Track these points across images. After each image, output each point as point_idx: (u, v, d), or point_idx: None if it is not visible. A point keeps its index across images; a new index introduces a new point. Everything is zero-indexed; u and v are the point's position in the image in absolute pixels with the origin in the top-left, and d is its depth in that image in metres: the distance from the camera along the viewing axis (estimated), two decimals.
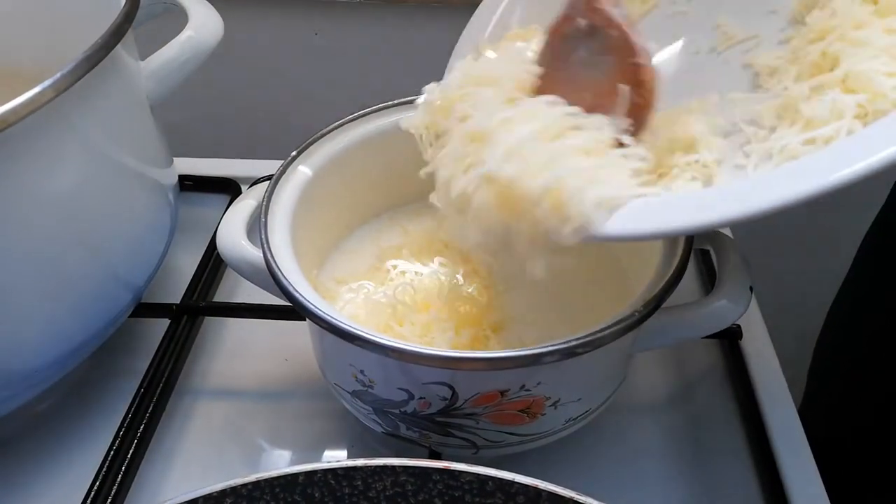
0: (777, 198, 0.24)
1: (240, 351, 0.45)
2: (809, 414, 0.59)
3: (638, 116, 0.28)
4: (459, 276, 0.40)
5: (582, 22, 0.29)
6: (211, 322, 0.47)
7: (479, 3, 0.39)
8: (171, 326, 0.44)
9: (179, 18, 0.44)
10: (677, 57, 0.35)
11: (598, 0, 0.28)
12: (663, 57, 0.35)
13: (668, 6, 0.37)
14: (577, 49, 0.29)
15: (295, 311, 0.33)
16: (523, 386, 0.32)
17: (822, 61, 0.29)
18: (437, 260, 0.41)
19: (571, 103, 0.28)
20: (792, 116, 0.28)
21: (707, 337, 0.40)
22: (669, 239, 0.35)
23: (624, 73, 0.28)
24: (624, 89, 0.28)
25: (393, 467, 0.26)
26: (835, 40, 0.29)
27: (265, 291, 0.37)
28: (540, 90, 0.30)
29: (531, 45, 0.34)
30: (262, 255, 0.34)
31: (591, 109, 0.28)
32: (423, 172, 0.31)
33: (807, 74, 0.30)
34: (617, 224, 0.27)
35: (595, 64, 0.29)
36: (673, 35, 0.36)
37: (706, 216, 0.25)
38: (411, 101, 0.42)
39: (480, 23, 0.38)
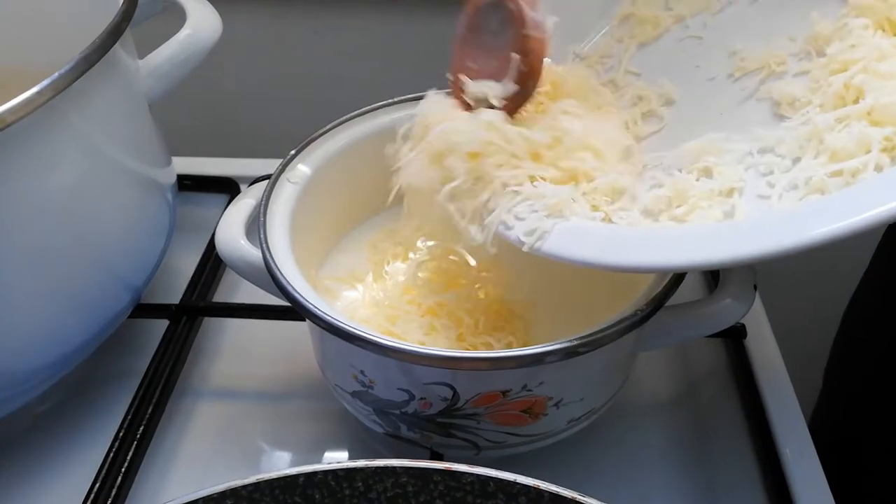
0: (811, 235, 0.24)
1: (239, 351, 0.45)
2: (825, 413, 0.59)
3: (524, 83, 0.32)
4: (456, 267, 0.40)
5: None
6: (210, 322, 0.47)
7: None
8: (171, 327, 0.44)
9: (177, 17, 0.44)
10: (693, 83, 0.35)
11: None
12: (680, 83, 0.35)
13: (681, 31, 0.37)
14: (490, 20, 0.33)
15: (295, 311, 0.33)
16: (525, 386, 0.32)
17: (846, 93, 0.29)
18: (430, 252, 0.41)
19: (481, 68, 0.33)
20: (816, 147, 0.28)
21: (711, 336, 0.39)
22: None
23: (516, 43, 0.32)
24: (514, 58, 0.32)
25: (394, 468, 0.26)
26: (858, 72, 0.29)
27: (265, 291, 0.36)
28: (459, 57, 0.34)
29: None
30: (261, 254, 0.34)
31: (495, 75, 0.33)
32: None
33: (830, 106, 0.29)
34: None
35: (500, 33, 0.32)
36: (688, 60, 0.36)
37: (729, 251, 0.25)
38: (410, 100, 0.42)
39: None
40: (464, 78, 0.34)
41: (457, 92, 0.34)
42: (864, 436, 0.55)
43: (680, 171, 0.31)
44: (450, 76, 0.35)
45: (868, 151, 0.26)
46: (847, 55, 0.30)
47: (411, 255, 0.41)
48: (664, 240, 0.28)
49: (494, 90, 0.33)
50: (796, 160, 0.29)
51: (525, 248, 0.30)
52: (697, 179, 0.30)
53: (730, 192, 0.29)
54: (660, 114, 0.35)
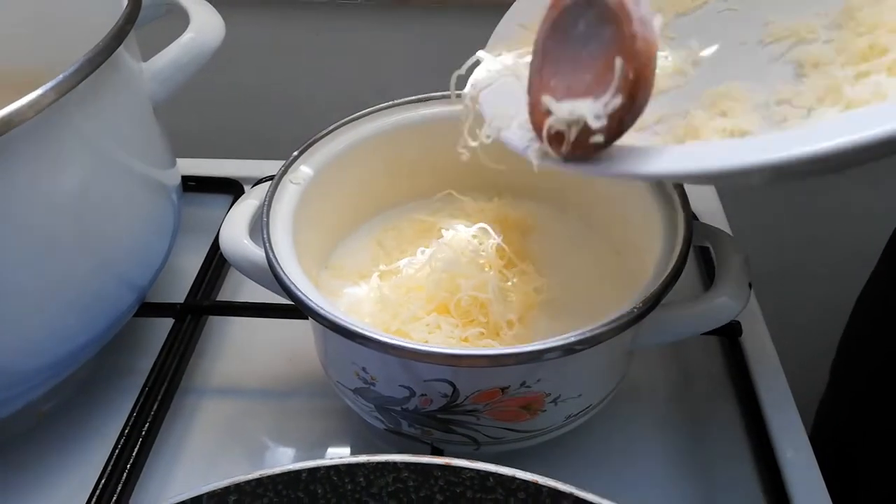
0: (820, 146, 0.22)
1: (243, 350, 0.46)
2: (830, 409, 0.59)
3: (633, 94, 0.25)
4: (458, 266, 0.40)
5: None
6: (214, 321, 0.47)
7: (478, 5, 0.38)
8: (175, 326, 0.44)
9: (181, 20, 0.44)
10: (722, 46, 0.35)
11: None
12: (709, 46, 0.35)
13: (719, 3, 0.37)
14: (577, 22, 0.27)
15: (298, 309, 0.33)
16: (524, 383, 0.32)
17: (870, 52, 0.29)
18: (433, 254, 0.41)
19: (570, 86, 0.26)
20: (834, 98, 0.28)
21: (707, 333, 0.40)
22: (669, 235, 0.35)
23: (619, 46, 0.25)
24: (619, 63, 0.25)
25: (395, 464, 0.26)
26: (885, 32, 0.29)
27: (268, 290, 0.37)
28: (537, 75, 0.28)
29: None
30: (264, 254, 0.35)
31: (589, 91, 0.26)
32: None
33: (852, 63, 0.29)
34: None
35: (594, 36, 0.26)
36: (721, 27, 0.36)
37: (761, 156, 0.23)
38: (412, 102, 0.42)
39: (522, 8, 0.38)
40: (547, 99, 0.26)
41: (538, 120, 0.27)
42: (869, 434, 0.55)
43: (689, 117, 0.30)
44: (527, 103, 0.28)
45: (884, 99, 0.26)
46: (875, 18, 0.30)
47: (419, 252, 0.42)
48: (675, 152, 0.26)
49: (593, 108, 0.25)
50: (812, 110, 0.28)
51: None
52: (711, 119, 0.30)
53: (742, 134, 0.28)
54: (687, 71, 0.34)
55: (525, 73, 0.29)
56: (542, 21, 0.28)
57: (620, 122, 0.25)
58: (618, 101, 0.25)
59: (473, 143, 0.31)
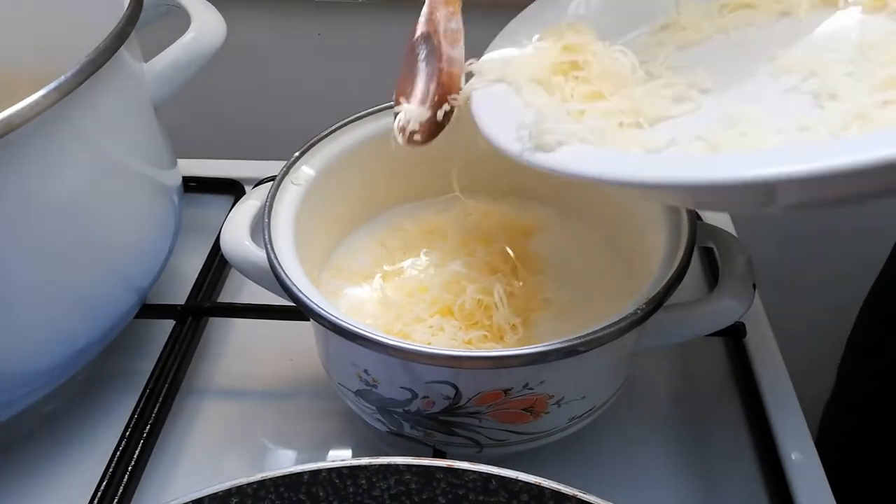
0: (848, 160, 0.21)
1: (244, 351, 0.46)
2: (836, 412, 0.59)
3: (434, 111, 0.34)
4: (462, 268, 0.40)
5: (421, 29, 0.36)
6: (216, 323, 0.47)
7: (477, 5, 0.39)
8: (177, 327, 0.44)
9: (182, 21, 0.44)
10: (732, 77, 0.34)
11: (434, 13, 0.35)
12: (718, 76, 0.34)
13: (723, 40, 0.37)
14: (422, 50, 0.35)
15: (299, 311, 0.33)
16: (526, 384, 0.32)
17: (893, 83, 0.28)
18: (438, 256, 0.41)
19: (415, 92, 0.35)
20: (861, 124, 0.27)
21: (711, 335, 0.40)
22: (672, 236, 0.35)
23: (436, 74, 0.34)
24: (431, 88, 0.34)
25: (397, 466, 0.26)
26: None
27: (270, 292, 0.37)
28: (401, 80, 0.36)
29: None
30: (265, 255, 0.35)
31: (423, 100, 0.34)
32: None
33: (878, 91, 0.28)
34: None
35: (428, 63, 0.35)
36: (727, 60, 0.35)
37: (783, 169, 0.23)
38: None
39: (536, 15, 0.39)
40: (401, 101, 0.35)
41: (397, 112, 0.36)
42: (876, 438, 0.55)
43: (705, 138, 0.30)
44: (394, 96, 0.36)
45: None
46: None
47: (423, 253, 0.42)
48: (688, 160, 0.27)
49: (416, 115, 0.34)
50: (837, 137, 0.27)
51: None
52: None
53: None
54: (694, 98, 0.33)
55: (518, 81, 0.33)
56: (406, 44, 0.36)
57: (430, 129, 0.34)
58: (427, 114, 0.34)
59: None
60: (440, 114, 0.34)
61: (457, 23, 0.35)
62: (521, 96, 0.32)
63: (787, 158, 0.23)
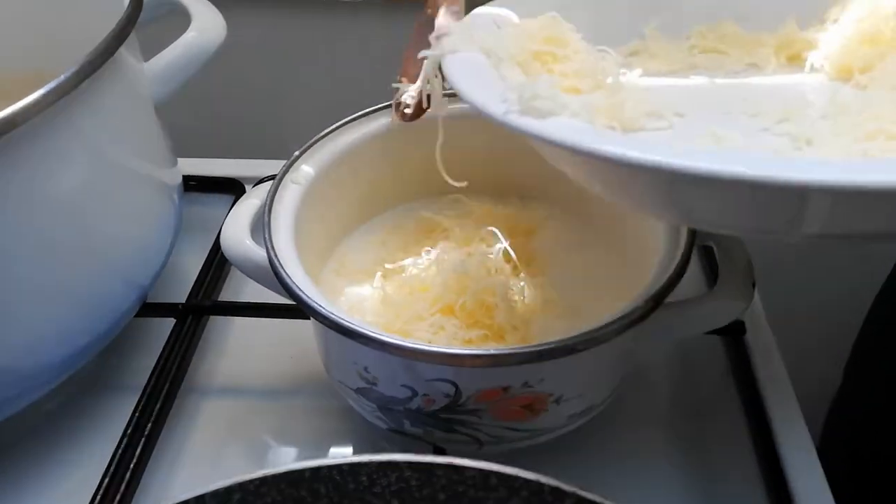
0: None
1: (245, 349, 0.46)
2: (842, 416, 0.59)
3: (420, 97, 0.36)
4: (463, 267, 0.40)
5: (427, 11, 0.37)
6: (216, 321, 0.47)
7: (478, 4, 0.39)
8: (177, 326, 0.44)
9: (182, 20, 0.44)
10: (706, 108, 0.34)
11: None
12: (691, 106, 0.34)
13: (693, 75, 0.37)
14: (426, 29, 0.36)
15: (299, 309, 0.33)
16: (526, 382, 0.32)
17: (875, 133, 0.28)
18: (439, 255, 0.41)
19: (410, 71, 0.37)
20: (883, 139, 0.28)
21: (710, 332, 0.40)
22: (672, 235, 0.35)
23: None
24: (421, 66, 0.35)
25: (397, 463, 0.26)
26: (889, 123, 0.28)
27: (270, 290, 0.37)
28: (409, 56, 0.37)
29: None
30: (265, 254, 0.35)
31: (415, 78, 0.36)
32: None
33: (857, 143, 0.28)
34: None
35: (425, 43, 0.35)
36: (700, 94, 0.36)
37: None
38: None
39: None
40: (403, 80, 0.37)
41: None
42: (884, 436, 0.55)
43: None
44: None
45: None
46: (878, 108, 0.29)
47: (424, 252, 0.42)
48: (700, 151, 0.26)
49: (409, 92, 0.37)
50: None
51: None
52: None
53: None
54: (666, 117, 0.33)
55: (498, 55, 0.33)
56: (415, 23, 0.38)
57: (418, 105, 0.37)
58: (418, 89, 0.36)
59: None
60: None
61: (452, 7, 0.36)
62: (500, 70, 0.32)
63: (811, 167, 0.22)
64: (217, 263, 0.49)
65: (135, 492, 0.37)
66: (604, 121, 0.30)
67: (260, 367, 0.44)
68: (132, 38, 0.38)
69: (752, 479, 0.38)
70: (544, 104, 0.27)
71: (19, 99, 0.31)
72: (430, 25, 0.35)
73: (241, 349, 0.46)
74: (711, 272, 0.48)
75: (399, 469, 0.26)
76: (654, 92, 0.35)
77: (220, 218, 0.44)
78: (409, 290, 0.39)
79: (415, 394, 0.33)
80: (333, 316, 0.31)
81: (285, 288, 0.33)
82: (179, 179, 0.46)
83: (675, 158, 0.23)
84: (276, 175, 0.38)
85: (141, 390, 0.41)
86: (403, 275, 0.41)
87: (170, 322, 0.45)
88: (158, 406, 0.40)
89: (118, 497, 0.36)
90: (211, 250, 0.49)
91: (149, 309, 0.44)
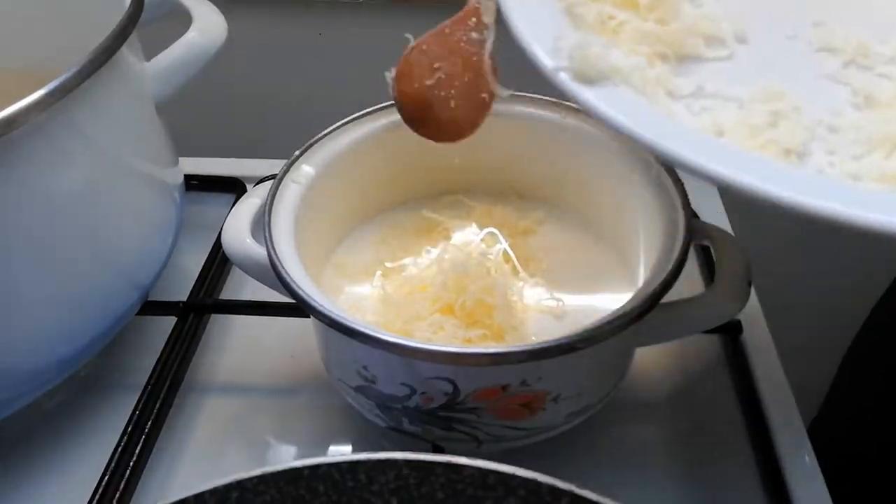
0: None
1: (245, 348, 0.46)
2: (827, 424, 0.59)
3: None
4: (463, 267, 0.40)
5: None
6: (217, 319, 0.47)
7: None
8: (178, 324, 0.45)
9: (183, 20, 0.44)
10: (771, 31, 0.31)
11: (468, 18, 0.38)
12: (756, 28, 0.31)
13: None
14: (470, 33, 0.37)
15: (299, 308, 0.33)
16: (524, 381, 0.32)
17: None
18: (439, 255, 0.41)
19: (441, 66, 0.38)
20: (887, 149, 0.26)
21: (707, 331, 0.40)
22: (669, 234, 0.35)
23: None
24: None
25: (396, 461, 0.26)
26: None
27: (270, 289, 0.37)
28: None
29: None
30: (266, 253, 0.35)
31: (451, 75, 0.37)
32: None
33: None
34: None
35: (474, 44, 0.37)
36: (767, 12, 0.32)
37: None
38: None
39: None
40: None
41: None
42: (875, 435, 0.55)
43: (742, 106, 0.28)
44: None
45: None
46: None
47: (424, 251, 0.42)
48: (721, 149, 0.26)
49: None
50: (866, 153, 0.26)
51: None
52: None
53: (787, 153, 0.27)
54: (727, 42, 0.30)
55: None
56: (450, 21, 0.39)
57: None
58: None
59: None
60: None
61: (476, 34, 0.37)
62: None
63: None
64: (218, 262, 0.49)
65: (135, 489, 0.37)
66: (656, 47, 0.29)
67: (260, 366, 0.45)
68: (133, 37, 0.38)
69: (749, 478, 0.38)
70: (594, 69, 0.27)
71: (20, 98, 0.31)
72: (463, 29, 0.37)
73: (241, 347, 0.46)
74: (708, 271, 0.48)
75: (398, 467, 0.26)
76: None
77: (221, 217, 0.44)
78: (409, 289, 0.40)
79: (413, 392, 0.33)
80: (333, 314, 0.32)
81: (285, 286, 0.33)
82: (181, 179, 0.46)
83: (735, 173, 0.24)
84: (276, 174, 0.39)
85: (142, 388, 0.41)
86: (403, 274, 0.41)
87: (171, 320, 0.45)
88: (159, 404, 0.40)
89: (118, 494, 0.36)
90: (212, 249, 0.50)
91: (150, 307, 0.44)
